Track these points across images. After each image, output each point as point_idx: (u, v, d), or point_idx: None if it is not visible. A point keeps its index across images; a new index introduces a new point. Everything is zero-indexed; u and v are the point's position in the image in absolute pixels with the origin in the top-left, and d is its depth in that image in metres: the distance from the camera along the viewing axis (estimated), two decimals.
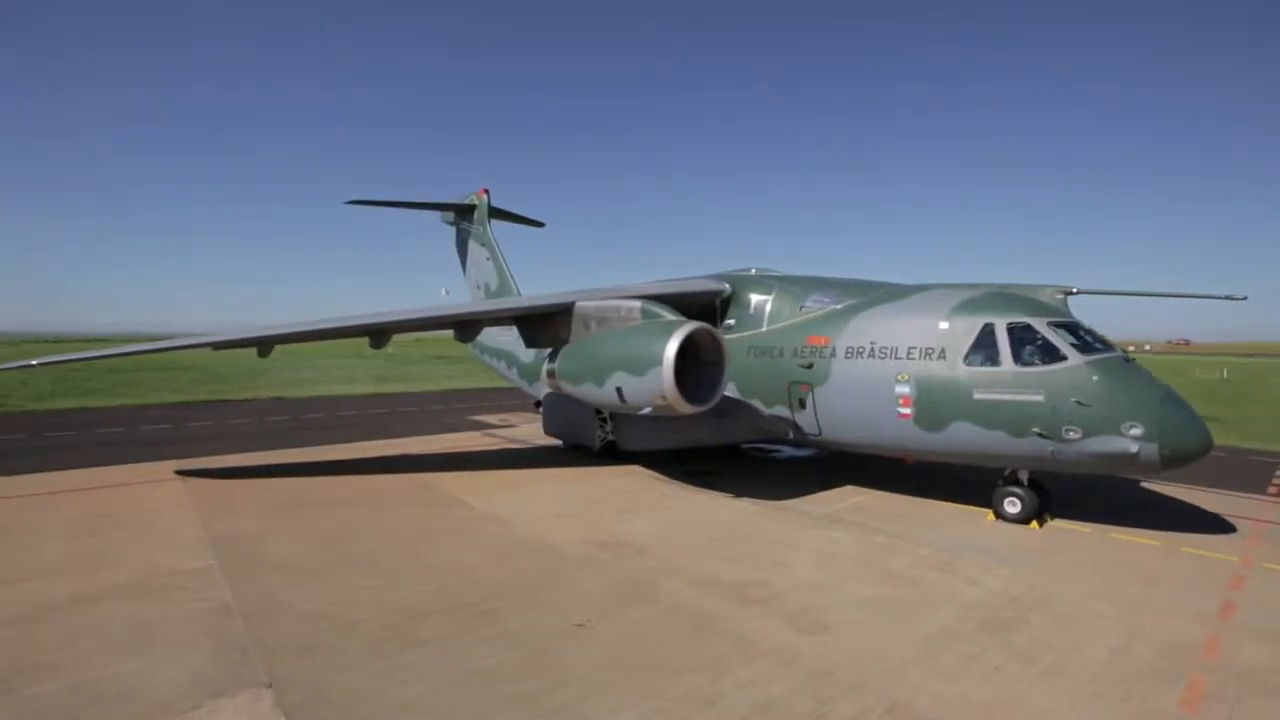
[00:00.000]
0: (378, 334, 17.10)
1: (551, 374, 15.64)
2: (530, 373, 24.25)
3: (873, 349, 13.16)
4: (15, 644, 7.43)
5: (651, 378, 12.60)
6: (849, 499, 14.22)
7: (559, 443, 20.79)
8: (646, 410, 13.16)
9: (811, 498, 14.33)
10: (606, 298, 15.04)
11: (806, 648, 7.50)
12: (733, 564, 10.21)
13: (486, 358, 27.84)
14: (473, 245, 32.43)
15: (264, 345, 16.40)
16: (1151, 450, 10.52)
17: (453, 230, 34.64)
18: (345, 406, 31.74)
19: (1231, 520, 12.67)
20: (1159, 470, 10.86)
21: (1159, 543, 11.32)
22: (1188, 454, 10.67)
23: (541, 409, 20.43)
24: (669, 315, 13.74)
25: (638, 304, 14.15)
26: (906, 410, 12.62)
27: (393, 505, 13.63)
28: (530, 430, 24.56)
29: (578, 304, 15.35)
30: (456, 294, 34.04)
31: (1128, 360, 11.42)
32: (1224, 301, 12.94)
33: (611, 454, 18.33)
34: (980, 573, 9.91)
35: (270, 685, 6.59)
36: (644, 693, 6.53)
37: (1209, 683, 6.79)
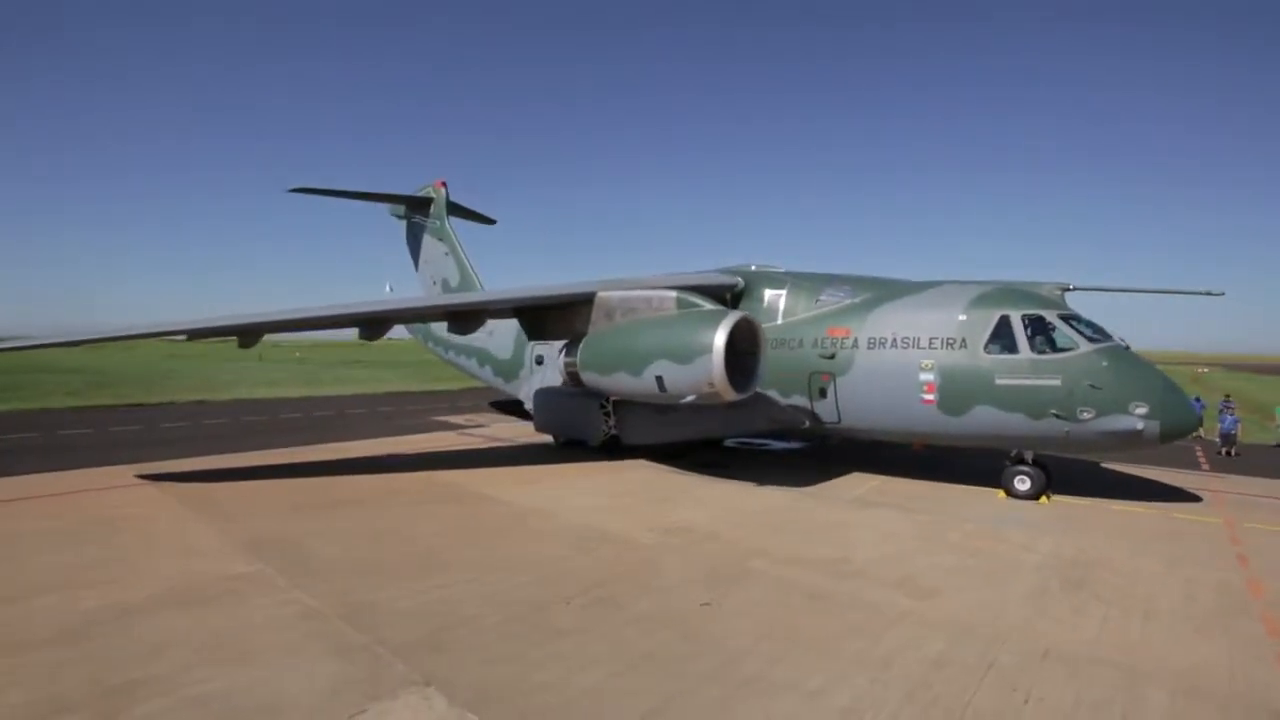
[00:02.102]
0: (374, 324, 16.07)
1: (571, 366, 15.30)
2: (507, 370, 23.57)
3: (895, 339, 13.94)
4: (83, 661, 6.40)
5: (699, 365, 12.69)
6: (865, 484, 14.92)
7: (548, 439, 20.32)
8: (690, 398, 13.21)
9: (829, 484, 14.90)
10: (631, 288, 14.96)
11: (930, 611, 7.87)
12: (804, 544, 10.48)
13: (451, 355, 26.71)
14: (428, 240, 31.03)
15: (248, 334, 14.93)
16: (1154, 427, 11.90)
17: (402, 225, 33.07)
18: (284, 409, 29.33)
19: (1195, 492, 14.50)
20: (1158, 444, 12.31)
21: (1153, 511, 12.77)
22: (1183, 430, 12.18)
23: (533, 405, 19.89)
24: (709, 305, 13.89)
25: (673, 294, 14.19)
26: (930, 396, 13.47)
27: (420, 503, 12.83)
28: (504, 429, 23.80)
29: (600, 294, 15.16)
30: (403, 291, 32.43)
31: (1127, 348, 12.83)
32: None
33: (611, 449, 18.17)
34: (1029, 540, 10.78)
35: (429, 684, 6.10)
36: (819, 658, 6.63)
37: (1276, 616, 7.82)
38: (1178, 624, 7.59)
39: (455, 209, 30.95)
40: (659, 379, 13.32)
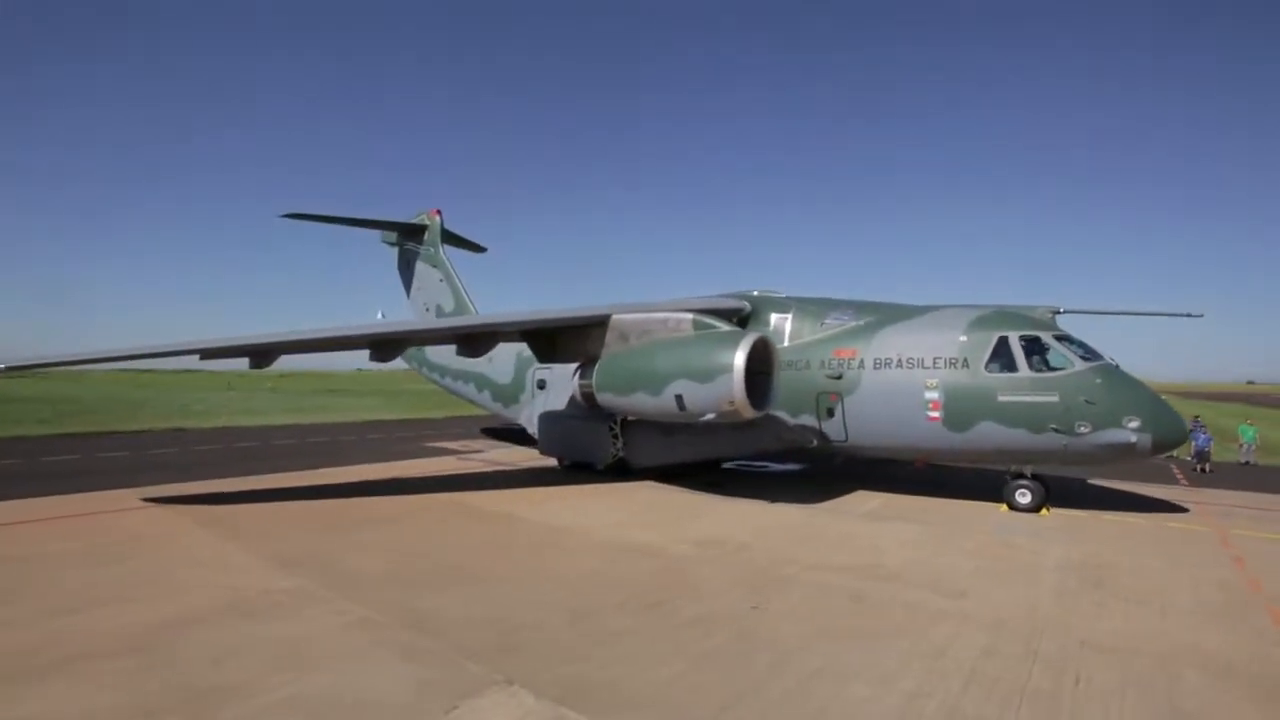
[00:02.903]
0: (388, 345, 16.22)
1: (586, 387, 15.62)
2: (507, 395, 23.68)
3: (900, 360, 14.62)
4: (159, 668, 6.41)
5: (720, 384, 13.14)
6: (872, 501, 15.41)
7: (552, 462, 20.43)
8: (709, 416, 13.62)
9: (838, 501, 15.35)
10: (645, 311, 15.43)
11: (966, 609, 8.28)
12: (832, 552, 10.86)
13: (448, 380, 26.70)
14: (421, 267, 31.20)
15: (262, 354, 14.91)
16: (1146, 439, 12.68)
17: (393, 251, 33.22)
18: (275, 435, 28.85)
19: (1180, 504, 15.33)
20: (1149, 456, 13.09)
21: (1147, 521, 13.49)
22: (1173, 442, 13.01)
23: (537, 428, 20.04)
24: (725, 326, 14.41)
25: (689, 316, 14.71)
26: (935, 413, 14.12)
27: (444, 521, 12.88)
28: (503, 454, 23.82)
29: (615, 316, 15.58)
30: (394, 317, 32.41)
31: (1116, 366, 13.69)
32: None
33: (618, 471, 18.38)
34: (1040, 546, 11.33)
35: (511, 682, 6.26)
36: (874, 651, 6.96)
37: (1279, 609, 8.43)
38: (1193, 616, 8.14)
39: (448, 236, 31.30)
40: (679, 398, 13.72)
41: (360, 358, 16.23)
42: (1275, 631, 7.69)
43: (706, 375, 13.33)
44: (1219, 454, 26.10)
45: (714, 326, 14.49)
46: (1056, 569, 10.06)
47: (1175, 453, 24.28)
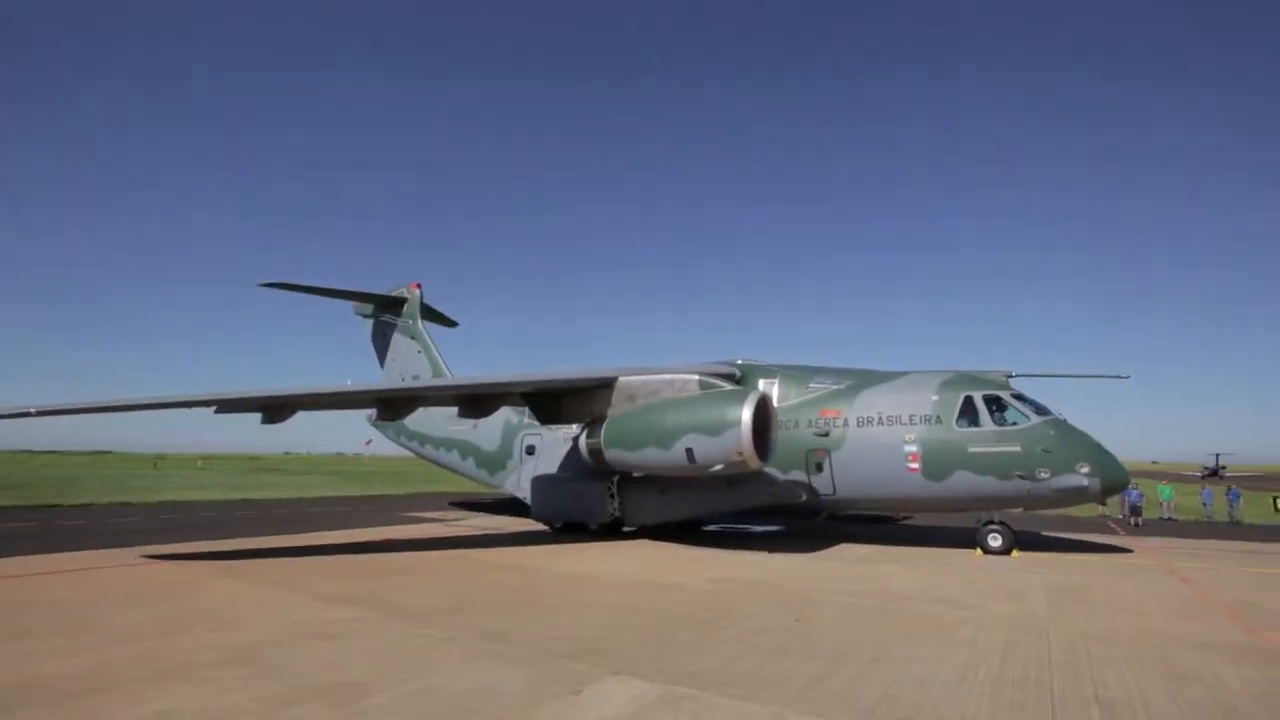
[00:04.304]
0: (397, 403, 16.75)
1: (594, 445, 16.51)
2: (493, 462, 23.99)
3: (881, 418, 16.31)
4: (268, 675, 6.70)
5: (728, 438, 14.37)
6: (860, 550, 16.57)
7: (541, 527, 20.70)
8: (718, 467, 14.72)
9: (830, 550, 16.43)
10: (652, 373, 16.72)
11: (979, 616, 9.43)
12: (845, 583, 11.88)
13: (428, 449, 26.70)
14: (398, 338, 31.65)
15: (276, 408, 15.15)
16: (1096, 484, 14.58)
17: (367, 323, 33.57)
18: (235, 508, 27.63)
19: (1124, 546, 17.22)
20: (1099, 498, 14.96)
21: (1102, 559, 15.20)
22: (1118, 485, 14.96)
23: (530, 492, 20.47)
24: (728, 385, 15.81)
25: (695, 377, 16.09)
26: (915, 465, 15.71)
27: (469, 570, 13.15)
28: (486, 521, 23.80)
29: (621, 379, 16.77)
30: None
31: (1064, 420, 15.78)
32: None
33: (611, 531, 18.93)
34: (1022, 577, 12.71)
35: (619, 673, 6.88)
36: (916, 645, 7.96)
37: (1231, 611, 9.99)
38: (1166, 616, 9.58)
39: (425, 310, 32.09)
40: (689, 451, 14.82)
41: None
42: (1231, 622, 9.19)
43: (716, 429, 14.56)
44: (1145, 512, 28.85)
45: (718, 385, 15.90)
46: (1042, 590, 11.42)
47: (1108, 511, 26.76)
